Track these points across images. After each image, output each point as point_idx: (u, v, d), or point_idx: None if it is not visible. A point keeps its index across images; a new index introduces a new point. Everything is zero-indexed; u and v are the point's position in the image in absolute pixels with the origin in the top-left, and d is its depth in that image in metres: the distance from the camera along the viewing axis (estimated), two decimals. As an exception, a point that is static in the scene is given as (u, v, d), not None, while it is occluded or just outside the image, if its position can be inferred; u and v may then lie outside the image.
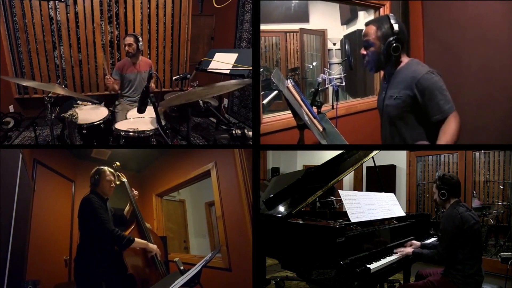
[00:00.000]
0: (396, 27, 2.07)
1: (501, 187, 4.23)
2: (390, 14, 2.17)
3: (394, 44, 2.08)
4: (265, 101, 2.59)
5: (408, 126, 2.17)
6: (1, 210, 2.06)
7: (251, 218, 2.66)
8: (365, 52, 2.20)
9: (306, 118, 2.22)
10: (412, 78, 2.06)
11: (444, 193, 2.21)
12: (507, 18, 3.20)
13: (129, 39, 3.93)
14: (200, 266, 1.95)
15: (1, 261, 1.99)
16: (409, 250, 2.34)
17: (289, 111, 2.34)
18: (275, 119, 3.44)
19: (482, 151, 4.34)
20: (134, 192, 2.80)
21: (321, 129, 2.33)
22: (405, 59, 2.18)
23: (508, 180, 4.18)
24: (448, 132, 1.99)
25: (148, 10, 5.43)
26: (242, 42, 5.04)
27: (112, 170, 2.63)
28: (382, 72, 2.44)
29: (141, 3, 5.34)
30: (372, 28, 2.13)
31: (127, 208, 2.75)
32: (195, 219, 3.59)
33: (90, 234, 2.38)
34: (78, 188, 3.26)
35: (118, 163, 2.79)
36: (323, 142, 2.21)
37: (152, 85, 4.02)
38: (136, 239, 2.43)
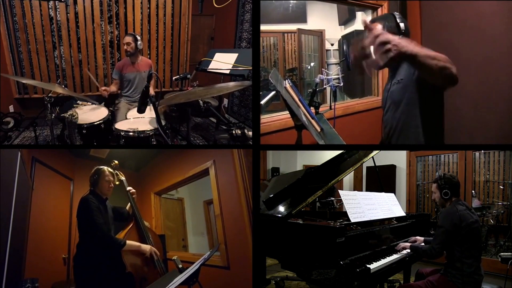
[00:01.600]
0: (402, 26, 2.09)
1: (501, 187, 4.23)
2: (396, 13, 2.18)
3: None
4: (263, 102, 2.59)
5: (411, 110, 2.13)
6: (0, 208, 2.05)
7: (249, 216, 2.65)
8: None
9: (304, 119, 2.22)
10: None
11: (447, 192, 2.22)
12: (505, 18, 3.20)
13: (128, 39, 3.95)
14: (198, 265, 1.94)
15: (0, 259, 1.99)
16: (407, 244, 2.35)
17: (287, 112, 2.34)
18: (273, 120, 3.44)
19: (482, 151, 4.33)
20: (131, 190, 2.80)
21: (319, 130, 2.32)
22: None
23: (508, 180, 4.18)
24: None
25: (148, 10, 5.44)
26: (242, 42, 5.05)
27: (111, 170, 2.63)
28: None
29: (141, 3, 5.35)
30: (378, 26, 2.14)
31: (129, 205, 2.75)
32: (193, 218, 3.59)
33: (88, 234, 2.39)
34: (76, 186, 3.26)
35: (116, 162, 2.79)
36: (321, 142, 2.20)
37: (152, 91, 4.02)
38: (128, 242, 2.41)
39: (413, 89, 2.09)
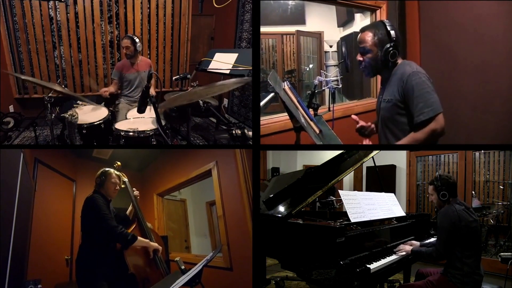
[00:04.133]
0: (392, 33, 2.11)
1: (501, 187, 4.24)
2: (385, 20, 2.21)
3: (392, 51, 2.11)
4: (261, 103, 2.60)
5: (400, 129, 2.20)
6: (2, 209, 2.06)
7: (252, 217, 2.66)
8: (361, 59, 2.22)
9: (303, 120, 2.22)
10: (400, 80, 2.10)
11: (445, 194, 2.22)
12: (504, 19, 3.21)
13: (126, 42, 3.93)
14: (201, 266, 1.94)
15: (2, 260, 1.99)
16: (408, 248, 2.35)
17: (286, 113, 2.35)
18: (272, 121, 3.44)
19: (482, 151, 4.34)
20: (135, 192, 2.81)
21: (317, 131, 2.33)
22: (398, 62, 2.21)
23: (508, 180, 4.19)
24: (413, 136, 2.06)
25: (148, 10, 5.44)
26: (242, 42, 5.05)
27: (118, 173, 2.64)
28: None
29: (141, 3, 5.35)
30: (368, 35, 2.16)
31: (129, 208, 2.75)
32: (196, 219, 3.59)
33: (93, 233, 2.39)
34: (79, 187, 3.27)
35: (119, 163, 2.79)
36: (320, 144, 2.21)
37: (152, 91, 4.02)
38: (139, 238, 2.44)
39: (401, 112, 2.15)
